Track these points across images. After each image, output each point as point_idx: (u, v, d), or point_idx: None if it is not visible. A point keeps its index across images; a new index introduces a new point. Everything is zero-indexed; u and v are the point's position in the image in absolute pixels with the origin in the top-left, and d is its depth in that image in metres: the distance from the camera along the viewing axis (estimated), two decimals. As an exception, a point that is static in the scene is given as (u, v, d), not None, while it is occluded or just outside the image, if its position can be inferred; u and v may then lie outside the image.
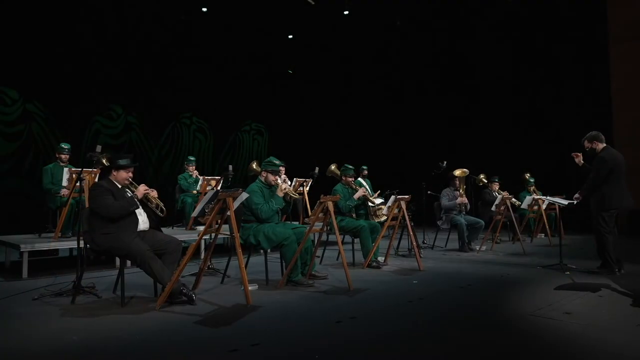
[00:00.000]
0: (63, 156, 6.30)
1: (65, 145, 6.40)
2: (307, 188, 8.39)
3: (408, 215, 6.26)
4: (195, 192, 7.34)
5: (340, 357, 2.72)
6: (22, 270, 5.10)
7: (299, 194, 8.33)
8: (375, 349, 2.82)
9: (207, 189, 6.75)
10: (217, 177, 7.01)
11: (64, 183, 6.00)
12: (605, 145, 5.24)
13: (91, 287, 4.34)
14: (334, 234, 5.82)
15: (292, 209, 8.29)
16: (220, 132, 12.84)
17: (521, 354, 2.76)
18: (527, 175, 9.27)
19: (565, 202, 5.53)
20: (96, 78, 9.95)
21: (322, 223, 4.92)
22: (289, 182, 8.42)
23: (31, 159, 9.14)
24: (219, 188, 6.70)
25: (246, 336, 3.02)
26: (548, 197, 6.20)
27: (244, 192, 4.09)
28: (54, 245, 5.52)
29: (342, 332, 3.15)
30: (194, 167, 7.72)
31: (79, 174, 4.49)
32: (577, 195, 5.34)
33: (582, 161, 5.45)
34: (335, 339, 3.02)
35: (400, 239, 7.18)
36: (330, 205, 4.58)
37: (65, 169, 5.92)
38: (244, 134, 13.61)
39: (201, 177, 7.27)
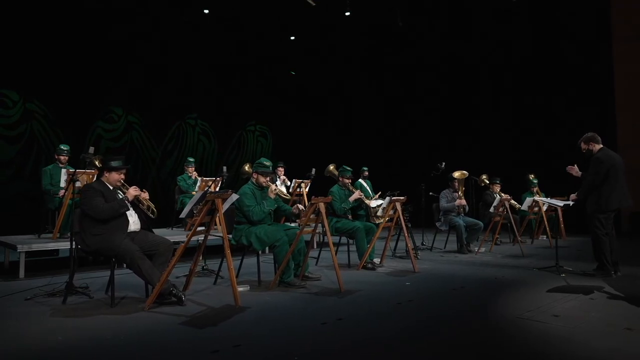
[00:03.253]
0: (62, 157, 6.37)
1: (64, 147, 6.46)
2: (307, 189, 8.40)
3: (405, 216, 6.25)
4: (194, 193, 7.38)
5: (320, 359, 2.72)
6: (19, 271, 5.16)
7: (299, 195, 8.35)
8: (356, 351, 2.82)
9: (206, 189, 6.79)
10: (212, 178, 7.05)
11: (62, 184, 6.08)
12: (601, 146, 5.20)
13: (84, 287, 4.39)
14: (331, 235, 5.83)
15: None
16: (224, 134, 12.90)
17: (500, 357, 2.75)
18: (532, 177, 9.22)
19: (561, 203, 5.49)
20: (97, 79, 9.99)
21: (314, 224, 4.91)
22: (289, 183, 8.46)
23: (33, 160, 9.22)
24: (217, 189, 6.74)
25: (229, 337, 3.03)
26: (543, 198, 6.15)
27: (233, 194, 4.10)
28: (51, 245, 5.57)
29: (326, 333, 3.16)
30: (193, 169, 7.76)
31: (72, 174, 4.54)
32: (573, 196, 5.31)
33: (579, 171, 5.39)
34: (318, 340, 3.02)
35: (397, 240, 7.17)
36: (322, 206, 4.57)
37: (63, 170, 5.98)
38: (248, 133, 13.66)
39: (199, 178, 7.32)
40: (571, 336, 3.02)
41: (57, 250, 6.64)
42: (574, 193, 5.31)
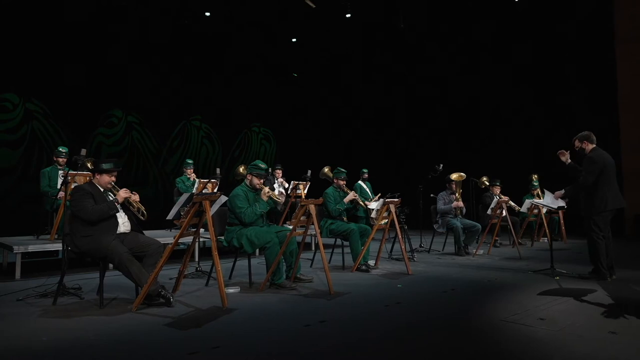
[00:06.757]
0: (60, 160, 6.45)
1: (62, 149, 6.54)
2: (305, 191, 8.42)
3: (402, 218, 6.24)
4: (193, 194, 7.43)
5: (298, 361, 2.73)
6: (15, 271, 5.23)
7: (297, 196, 8.37)
8: (334, 354, 2.82)
9: (204, 191, 6.83)
10: (205, 180, 7.10)
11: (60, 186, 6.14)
12: (594, 146, 5.16)
13: (77, 288, 4.44)
14: (325, 237, 5.85)
15: (289, 211, 8.34)
16: (227, 137, 12.96)
17: (480, 360, 2.74)
18: (534, 177, 9.17)
19: (555, 205, 5.45)
20: (98, 80, 10.06)
21: (305, 226, 4.92)
22: (287, 185, 8.48)
23: (36, 161, 9.31)
24: (215, 190, 6.78)
25: (210, 338, 3.05)
26: (539, 201, 6.11)
27: (222, 196, 4.12)
28: (48, 247, 5.62)
29: (307, 335, 3.16)
30: (192, 170, 7.81)
31: (65, 176, 4.60)
32: (558, 193, 5.28)
33: (569, 160, 5.33)
34: (298, 342, 3.02)
35: (393, 242, 7.15)
36: (312, 208, 4.58)
37: (61, 172, 6.05)
38: (252, 134, 13.71)
39: (197, 180, 7.36)
40: (551, 339, 2.99)
41: (57, 251, 6.71)
42: (559, 190, 5.28)
